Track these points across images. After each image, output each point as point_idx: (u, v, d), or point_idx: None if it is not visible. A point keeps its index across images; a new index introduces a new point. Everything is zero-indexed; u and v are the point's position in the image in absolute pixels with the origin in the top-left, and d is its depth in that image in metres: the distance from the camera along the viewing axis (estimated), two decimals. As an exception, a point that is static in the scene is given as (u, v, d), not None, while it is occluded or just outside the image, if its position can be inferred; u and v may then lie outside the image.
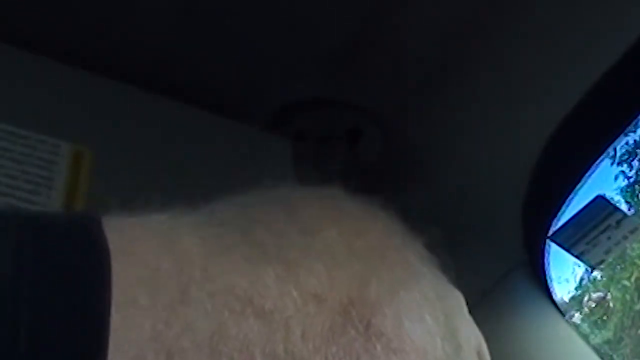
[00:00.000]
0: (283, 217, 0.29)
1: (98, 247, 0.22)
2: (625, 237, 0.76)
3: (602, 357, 0.89)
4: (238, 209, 0.30)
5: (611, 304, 4.89)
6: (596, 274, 4.78)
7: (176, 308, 0.23)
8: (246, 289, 0.24)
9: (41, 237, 0.22)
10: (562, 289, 4.72)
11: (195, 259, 0.24)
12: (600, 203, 0.76)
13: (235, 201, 0.31)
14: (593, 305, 4.98)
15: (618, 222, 0.75)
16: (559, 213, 0.77)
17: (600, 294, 4.98)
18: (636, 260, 4.57)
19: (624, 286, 4.72)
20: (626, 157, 4.52)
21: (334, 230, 0.29)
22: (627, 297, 4.70)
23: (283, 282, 0.25)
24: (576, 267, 4.51)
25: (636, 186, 4.59)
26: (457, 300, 0.32)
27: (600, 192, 0.77)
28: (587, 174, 0.70)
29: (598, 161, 0.68)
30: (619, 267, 4.64)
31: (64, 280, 0.21)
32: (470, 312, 0.33)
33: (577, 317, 4.88)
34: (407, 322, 0.27)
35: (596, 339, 4.60)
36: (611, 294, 4.90)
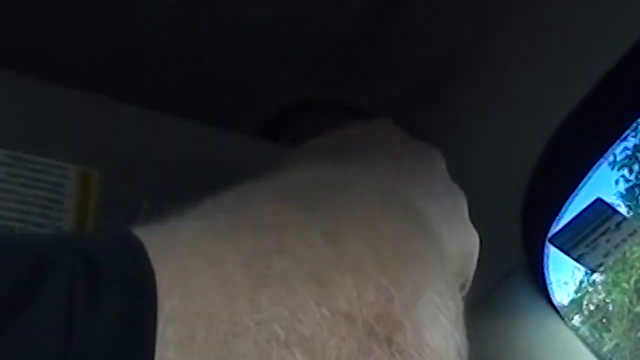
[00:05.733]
0: (308, 220, 0.30)
1: (147, 286, 0.23)
2: (624, 240, 0.76)
3: (601, 360, 0.89)
4: (265, 205, 0.31)
5: (611, 307, 4.89)
6: (595, 276, 4.78)
7: (229, 342, 0.23)
8: (288, 317, 0.25)
9: (93, 274, 0.22)
10: (562, 291, 4.72)
11: (243, 288, 0.25)
12: (600, 206, 0.76)
13: (260, 193, 0.32)
14: (592, 308, 4.98)
15: (617, 225, 0.75)
16: (559, 216, 0.77)
17: (599, 296, 4.98)
18: (635, 263, 4.57)
19: (623, 289, 4.72)
20: (626, 160, 4.52)
21: (358, 234, 0.30)
22: (627, 300, 4.70)
23: (318, 305, 0.26)
24: (575, 270, 4.51)
25: (636, 189, 4.59)
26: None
27: (600, 195, 0.77)
28: (586, 177, 0.70)
29: (598, 164, 0.68)
30: (618, 269, 4.63)
31: (113, 320, 0.21)
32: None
33: (576, 319, 4.87)
34: (426, 333, 0.28)
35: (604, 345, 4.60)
36: (611, 296, 4.90)
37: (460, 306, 0.33)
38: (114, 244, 0.24)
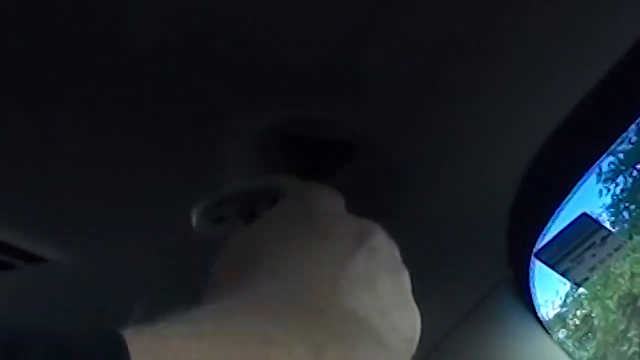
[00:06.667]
0: (291, 336, 0.32)
1: None
2: (610, 255, 0.76)
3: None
4: (246, 317, 0.33)
5: (595, 322, 4.91)
6: (581, 291, 4.80)
7: None
8: None
9: None
10: (547, 306, 4.74)
11: None
12: (585, 220, 0.77)
13: (240, 306, 0.34)
14: (577, 323, 4.99)
15: (603, 240, 0.76)
16: (544, 230, 0.77)
17: (584, 311, 5.00)
18: (619, 279, 4.59)
19: (608, 304, 4.74)
20: (611, 174, 4.56)
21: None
22: (611, 314, 4.72)
23: None
24: (560, 285, 4.53)
25: (620, 204, 4.63)
26: None
27: (586, 210, 0.78)
28: (572, 191, 0.71)
29: (584, 178, 0.69)
30: (602, 284, 4.66)
31: None
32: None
33: (561, 333, 4.89)
34: None
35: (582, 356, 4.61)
36: (595, 311, 4.92)
37: None
38: (93, 337, 0.25)
